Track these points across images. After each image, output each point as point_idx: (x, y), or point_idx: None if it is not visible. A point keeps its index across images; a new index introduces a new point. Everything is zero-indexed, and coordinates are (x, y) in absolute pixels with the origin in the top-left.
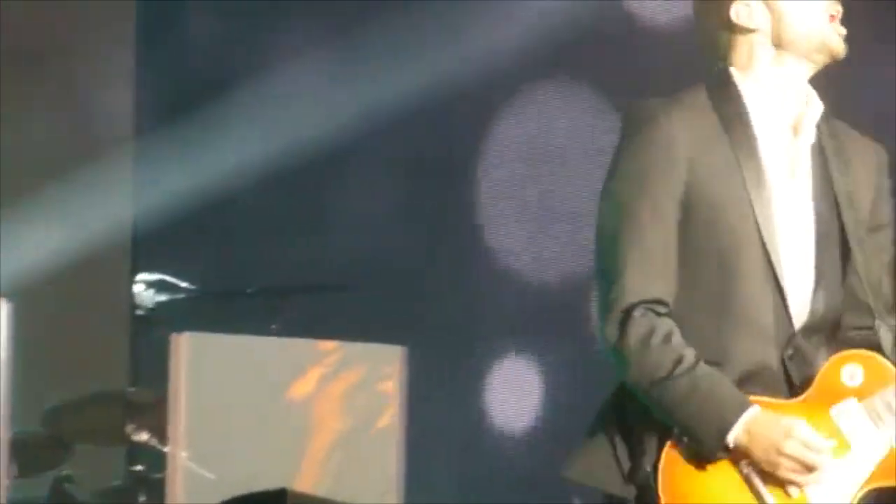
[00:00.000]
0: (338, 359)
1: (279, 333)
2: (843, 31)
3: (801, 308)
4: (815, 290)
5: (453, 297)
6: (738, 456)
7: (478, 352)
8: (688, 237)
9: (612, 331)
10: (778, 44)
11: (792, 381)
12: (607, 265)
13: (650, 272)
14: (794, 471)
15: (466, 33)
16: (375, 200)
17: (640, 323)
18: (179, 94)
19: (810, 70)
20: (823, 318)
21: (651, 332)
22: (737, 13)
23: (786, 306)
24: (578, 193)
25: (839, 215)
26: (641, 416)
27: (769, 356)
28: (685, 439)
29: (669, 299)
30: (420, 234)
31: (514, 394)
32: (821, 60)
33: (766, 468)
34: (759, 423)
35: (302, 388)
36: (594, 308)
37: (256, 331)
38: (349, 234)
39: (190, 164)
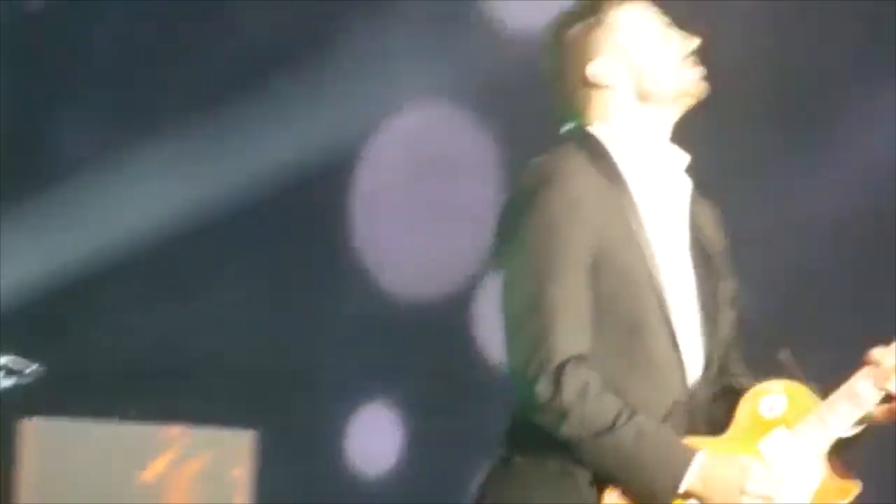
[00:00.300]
0: (186, 444)
1: (129, 419)
2: (702, 70)
3: (694, 361)
4: (703, 344)
5: (304, 375)
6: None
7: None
8: (596, 293)
9: (545, 389)
10: (639, 96)
11: (698, 433)
12: (530, 325)
13: (576, 328)
14: None
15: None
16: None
17: (575, 376)
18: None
19: (675, 114)
20: (709, 370)
21: (587, 385)
22: (594, 72)
23: (681, 360)
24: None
25: (711, 270)
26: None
27: (675, 408)
28: (633, 488)
29: (588, 354)
30: (269, 319)
31: (376, 451)
32: (684, 104)
33: None
34: (712, 466)
35: (151, 473)
36: (511, 369)
37: (106, 416)
38: (201, 317)
39: (41, 246)
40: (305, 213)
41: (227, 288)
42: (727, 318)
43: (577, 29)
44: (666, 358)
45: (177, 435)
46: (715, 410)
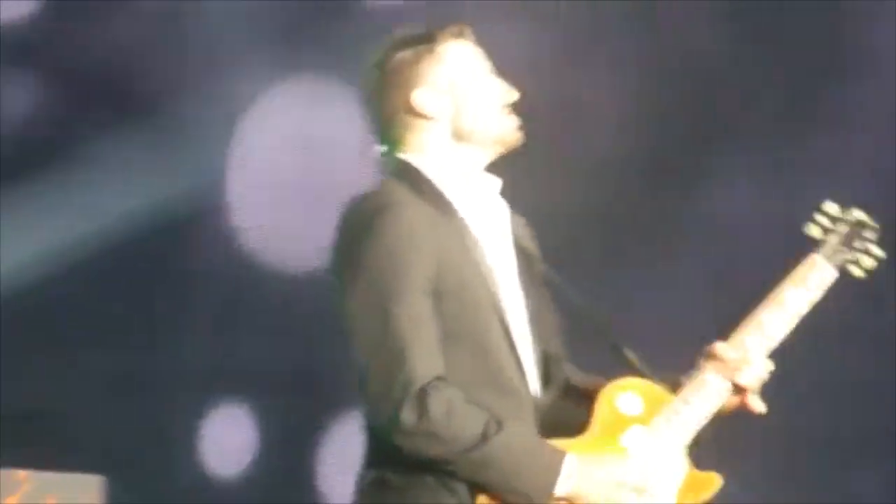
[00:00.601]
0: (31, 489)
1: None
2: (518, 121)
3: (533, 372)
4: (537, 353)
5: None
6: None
7: None
8: (440, 317)
9: (410, 415)
10: (456, 134)
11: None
12: (385, 352)
13: (430, 349)
14: (632, 500)
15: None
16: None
17: (439, 397)
18: None
19: (487, 158)
20: (547, 378)
21: (451, 403)
22: (418, 101)
23: (524, 373)
24: None
25: (535, 281)
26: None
27: (525, 419)
28: (508, 497)
29: (445, 375)
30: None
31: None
32: (497, 150)
33: None
34: (583, 465)
35: None
36: (369, 398)
37: None
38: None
39: None
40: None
41: (74, 328)
42: (553, 323)
43: (407, 54)
44: (511, 373)
45: (23, 478)
46: (562, 414)
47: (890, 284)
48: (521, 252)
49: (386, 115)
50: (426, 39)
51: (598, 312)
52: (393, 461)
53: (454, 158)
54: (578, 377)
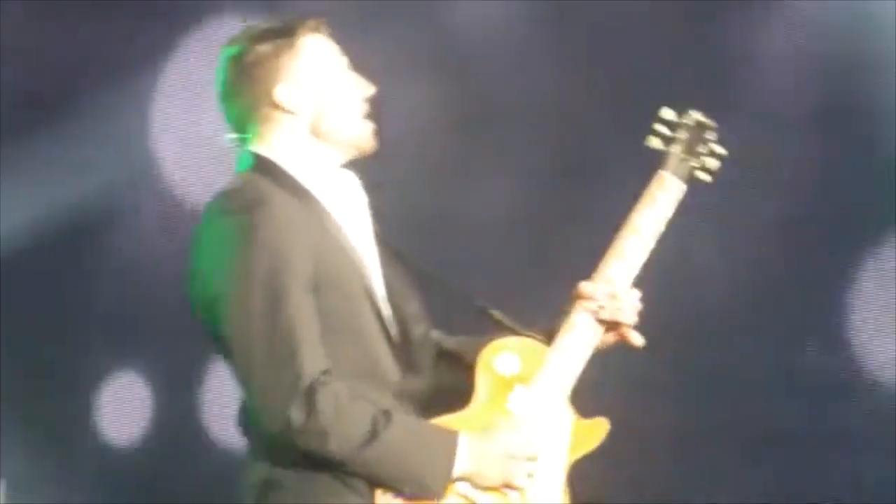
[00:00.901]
0: None
1: None
2: (373, 125)
3: (405, 353)
4: (407, 335)
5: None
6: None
7: None
8: (320, 311)
9: (300, 413)
10: (314, 131)
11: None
12: (271, 352)
13: (315, 345)
14: (526, 474)
15: None
16: None
17: (327, 393)
18: None
19: (342, 158)
20: (415, 358)
21: (339, 399)
22: (280, 96)
23: (398, 357)
24: None
25: (395, 262)
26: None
27: (406, 407)
28: (406, 489)
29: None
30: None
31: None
32: (351, 153)
33: (498, 484)
34: (475, 444)
35: None
36: (255, 399)
37: None
38: None
39: None
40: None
41: None
42: (415, 297)
43: (267, 47)
44: (388, 362)
45: None
46: (444, 386)
47: (779, 280)
48: (379, 234)
49: (244, 107)
50: (285, 33)
51: (453, 282)
52: (283, 459)
53: (310, 154)
54: (450, 342)
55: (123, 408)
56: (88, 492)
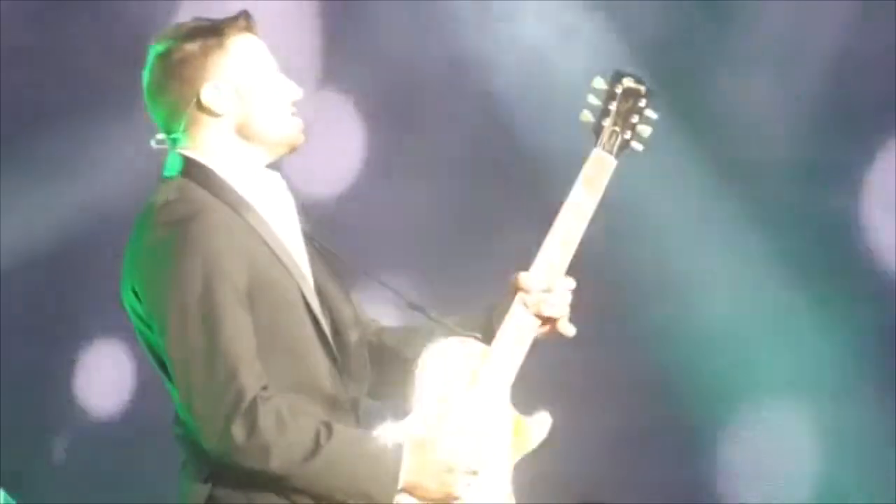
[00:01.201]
0: None
1: None
2: (301, 122)
3: (343, 358)
4: (343, 339)
5: None
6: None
7: None
8: (256, 324)
9: (241, 431)
10: (241, 132)
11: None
12: (211, 370)
13: (254, 362)
14: (469, 482)
15: None
16: None
17: (267, 410)
18: None
19: (269, 157)
20: (352, 361)
21: (280, 414)
22: (207, 98)
23: (337, 366)
24: None
25: (325, 263)
26: None
27: (346, 418)
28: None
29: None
30: None
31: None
32: (280, 151)
33: (438, 496)
34: (417, 454)
35: None
36: (195, 418)
37: None
38: None
39: None
40: None
41: None
42: (348, 300)
43: (195, 46)
44: (325, 371)
45: None
46: (386, 389)
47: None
48: (309, 236)
49: (171, 107)
50: (215, 32)
51: (385, 282)
52: (227, 478)
53: (239, 155)
54: (391, 338)
55: (106, 377)
56: (69, 461)
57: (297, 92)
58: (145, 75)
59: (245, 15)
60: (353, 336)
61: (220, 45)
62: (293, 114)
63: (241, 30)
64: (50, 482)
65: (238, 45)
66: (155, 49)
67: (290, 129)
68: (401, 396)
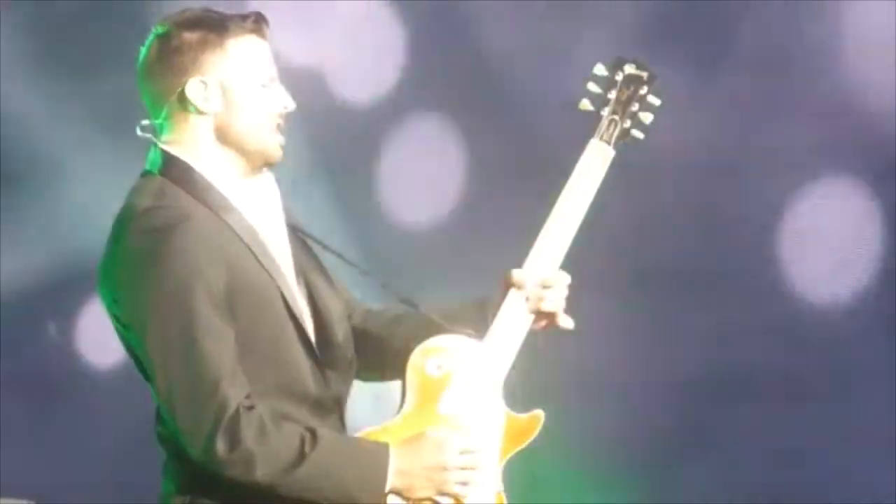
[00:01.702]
0: None
1: None
2: (283, 139)
3: (330, 359)
4: (332, 341)
5: None
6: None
7: None
8: (238, 327)
9: (225, 443)
10: (219, 136)
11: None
12: (193, 382)
13: (235, 371)
14: (460, 481)
15: None
16: None
17: (249, 420)
18: None
19: (246, 168)
20: (341, 361)
21: (262, 423)
22: (191, 91)
23: (324, 371)
24: None
25: (313, 260)
26: None
27: (333, 423)
28: None
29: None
30: None
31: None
32: (256, 163)
33: (432, 493)
34: (405, 457)
35: None
36: (178, 429)
37: None
38: None
39: None
40: None
41: None
42: (337, 295)
43: (194, 37)
44: (308, 372)
45: None
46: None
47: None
48: (296, 233)
49: (157, 92)
50: (217, 27)
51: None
52: (208, 489)
53: (219, 158)
54: (375, 326)
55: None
56: (68, 418)
57: (289, 104)
58: (141, 52)
59: (256, 16)
60: (339, 332)
61: (219, 43)
62: (278, 127)
63: (247, 31)
64: None
65: (238, 45)
66: (156, 30)
67: (268, 143)
68: (378, 380)
